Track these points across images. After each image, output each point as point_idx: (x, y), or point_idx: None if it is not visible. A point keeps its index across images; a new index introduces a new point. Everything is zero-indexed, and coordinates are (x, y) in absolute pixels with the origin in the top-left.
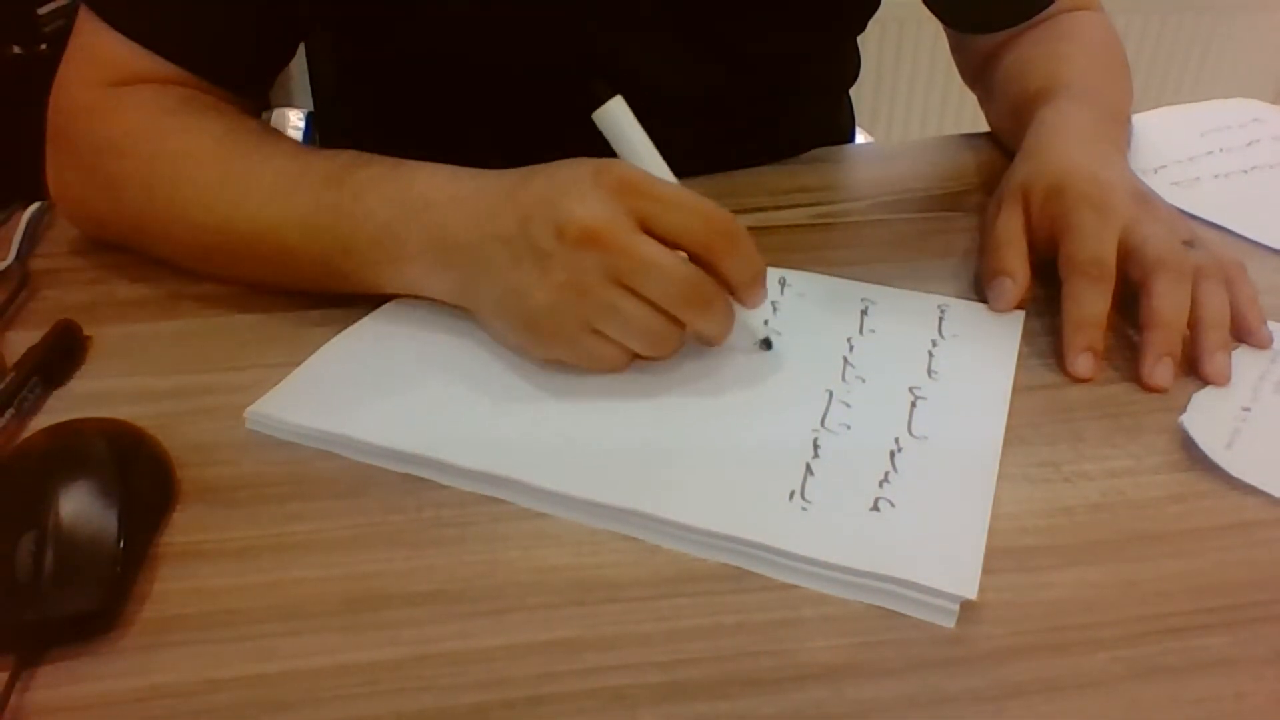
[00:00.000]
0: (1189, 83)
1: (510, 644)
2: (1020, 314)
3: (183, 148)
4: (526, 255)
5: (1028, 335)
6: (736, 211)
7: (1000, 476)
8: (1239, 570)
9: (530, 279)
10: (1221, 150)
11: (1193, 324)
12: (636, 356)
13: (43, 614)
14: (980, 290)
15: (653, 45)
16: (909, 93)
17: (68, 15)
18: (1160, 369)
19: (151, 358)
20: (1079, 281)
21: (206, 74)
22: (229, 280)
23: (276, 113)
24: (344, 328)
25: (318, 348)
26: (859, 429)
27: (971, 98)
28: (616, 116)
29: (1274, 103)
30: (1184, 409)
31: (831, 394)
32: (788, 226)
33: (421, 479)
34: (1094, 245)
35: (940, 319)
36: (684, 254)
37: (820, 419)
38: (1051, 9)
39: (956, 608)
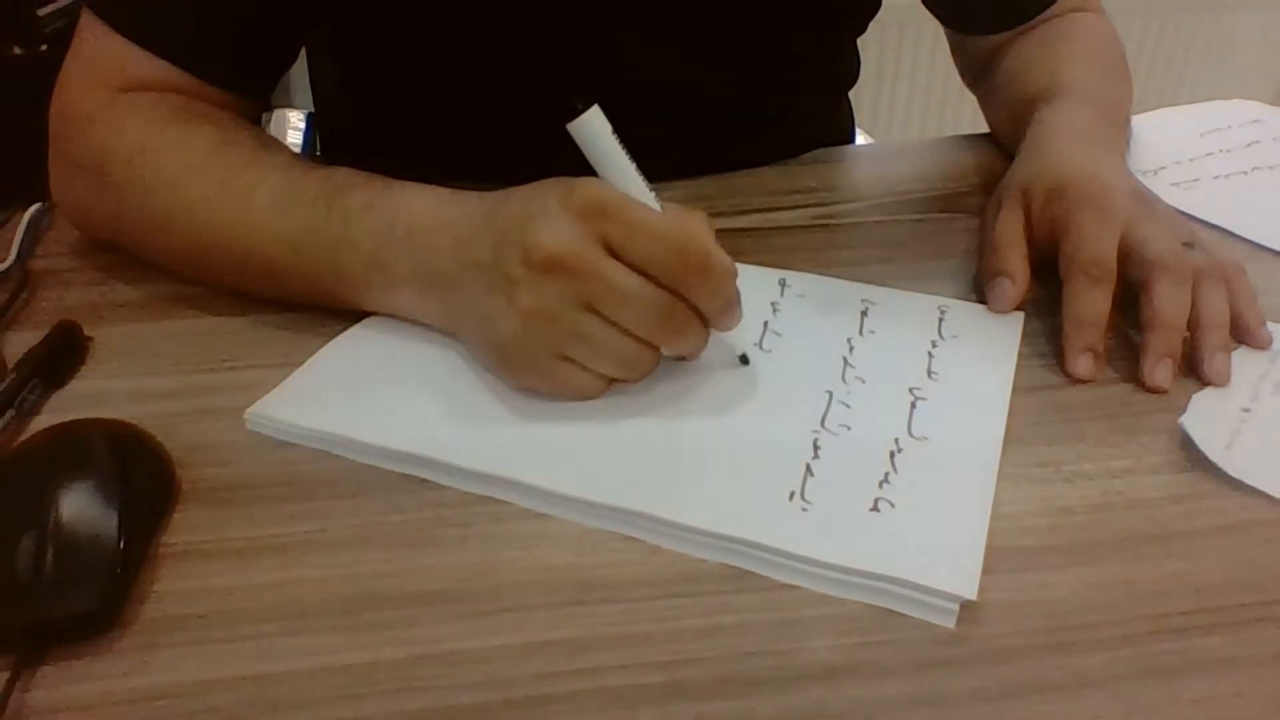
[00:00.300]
0: (1189, 83)
1: (510, 644)
2: (1020, 315)
3: (178, 159)
4: (498, 282)
5: (1028, 335)
6: (736, 212)
7: (1000, 476)
8: (1239, 570)
9: (499, 307)
10: (1221, 151)
11: (1193, 325)
12: (613, 382)
13: (43, 614)
14: (980, 291)
15: (653, 46)
16: (909, 93)
17: (68, 16)
18: (1160, 370)
19: (151, 358)
20: (1080, 282)
21: (208, 76)
22: (225, 289)
23: (277, 113)
24: (345, 328)
25: (318, 348)
26: (859, 429)
27: (971, 98)
28: (592, 129)
29: (1274, 103)
30: (1184, 409)
31: (831, 394)
32: (788, 227)
33: (421, 479)
34: (1095, 246)
35: (940, 320)
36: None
37: (820, 419)
38: (1051, 10)
39: (956, 608)
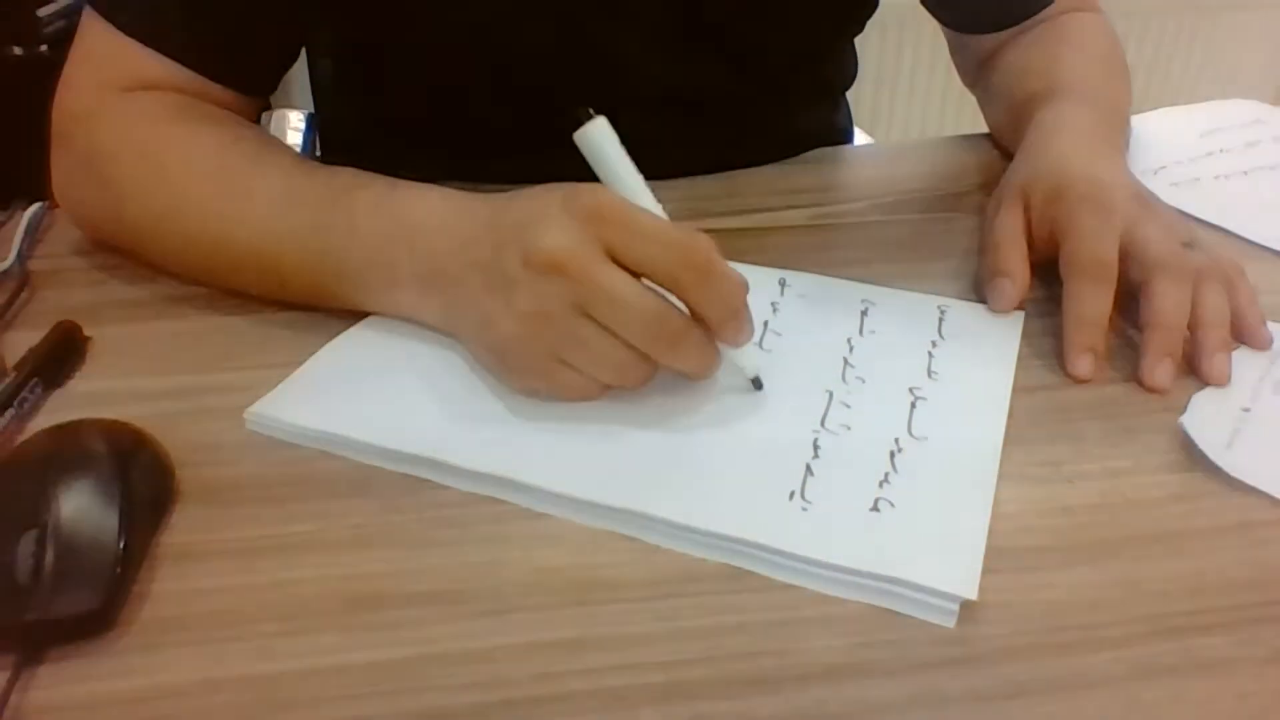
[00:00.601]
0: (1189, 83)
1: (510, 644)
2: (1020, 314)
3: (180, 160)
4: (497, 283)
5: (1028, 336)
6: (736, 212)
7: (1000, 476)
8: (1239, 570)
9: (498, 307)
10: (1221, 151)
11: (1193, 325)
12: (609, 386)
13: (43, 614)
14: (980, 291)
15: (652, 45)
16: (909, 93)
17: (68, 16)
18: (1160, 369)
19: (151, 358)
20: (1080, 282)
21: (211, 75)
22: (226, 289)
23: (277, 113)
24: (345, 328)
25: (318, 348)
26: (859, 429)
27: (971, 98)
28: (598, 139)
29: (1274, 103)
30: (1184, 409)
31: (831, 394)
32: (788, 227)
33: (421, 479)
34: (1095, 246)
35: (940, 320)
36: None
37: (820, 419)
38: (1050, 10)
39: (956, 608)
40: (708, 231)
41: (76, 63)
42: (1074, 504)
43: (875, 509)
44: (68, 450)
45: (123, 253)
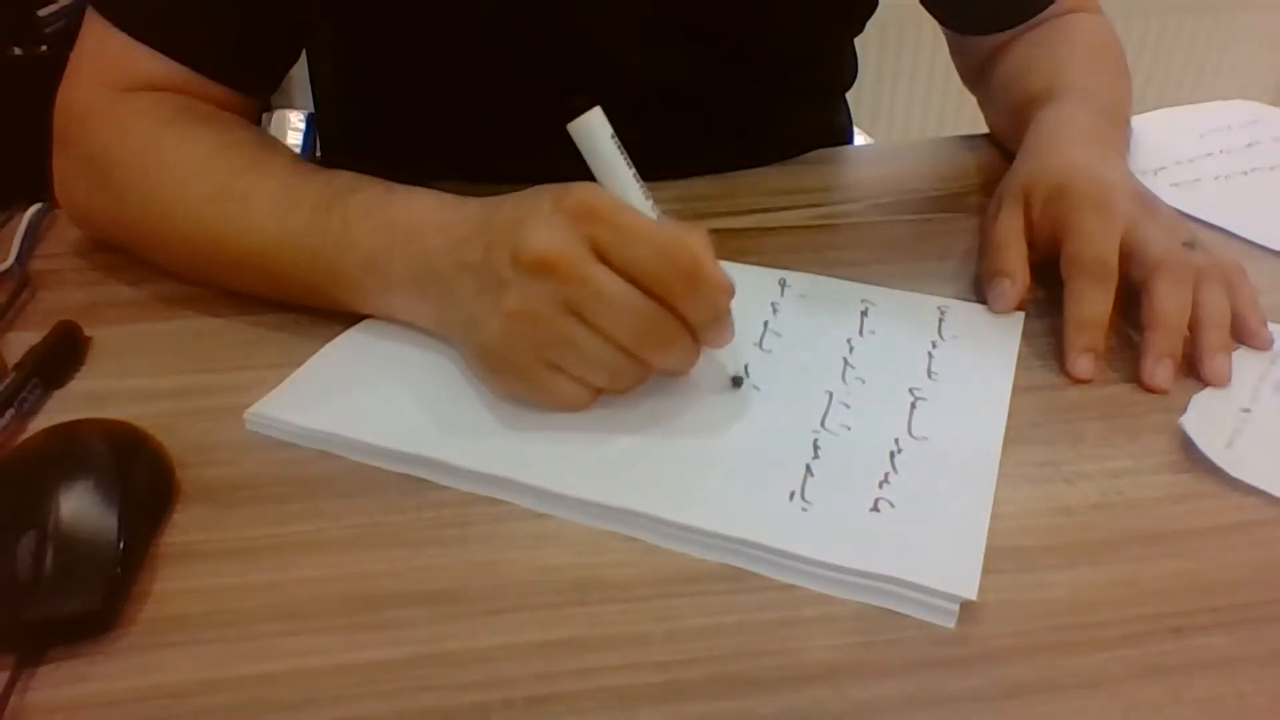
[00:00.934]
0: (1189, 83)
1: (510, 644)
2: (1020, 315)
3: (178, 161)
4: (487, 284)
5: (1028, 336)
6: (736, 212)
7: (1000, 476)
8: (1239, 570)
9: (486, 307)
10: (1221, 152)
11: (1193, 325)
12: (599, 393)
13: (43, 614)
14: (980, 291)
15: (651, 46)
16: (909, 93)
17: (68, 16)
18: (1160, 370)
19: (151, 358)
20: (1081, 282)
21: (211, 73)
22: (224, 289)
23: (277, 114)
24: (345, 328)
25: (318, 348)
26: (859, 430)
27: (971, 98)
28: (591, 130)
29: (1274, 103)
30: (1184, 409)
31: (831, 395)
32: (788, 227)
33: (421, 479)
34: (1097, 246)
35: (940, 320)
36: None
37: (820, 419)
38: (1050, 10)
39: (956, 608)
40: (709, 232)
41: (78, 63)
42: (1074, 504)
43: (875, 509)
44: (68, 450)
45: (122, 252)
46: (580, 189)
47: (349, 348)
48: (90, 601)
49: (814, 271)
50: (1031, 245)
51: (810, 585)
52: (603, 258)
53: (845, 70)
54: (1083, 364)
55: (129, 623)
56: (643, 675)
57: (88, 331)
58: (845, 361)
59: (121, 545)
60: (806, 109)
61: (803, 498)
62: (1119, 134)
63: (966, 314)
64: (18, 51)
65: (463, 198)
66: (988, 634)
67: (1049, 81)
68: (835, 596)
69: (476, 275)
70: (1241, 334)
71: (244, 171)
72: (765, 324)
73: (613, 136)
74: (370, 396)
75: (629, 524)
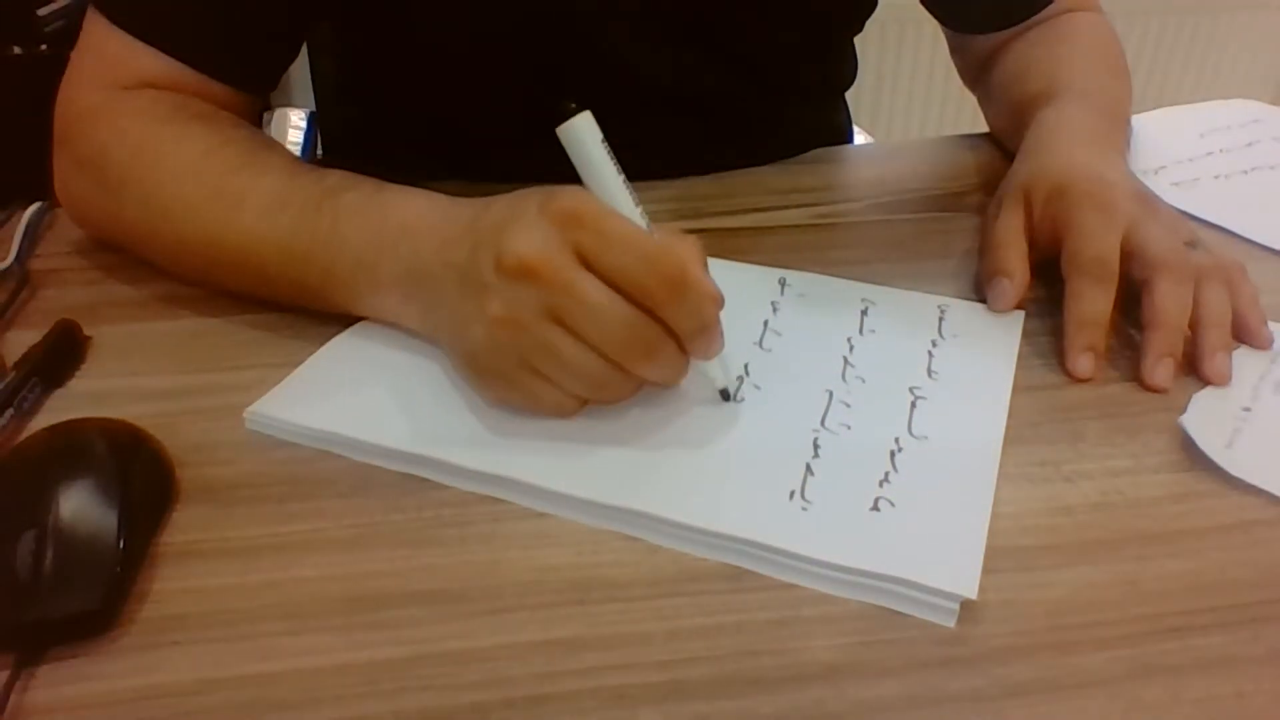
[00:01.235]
0: (1189, 83)
1: (510, 644)
2: (1020, 314)
3: (173, 161)
4: (471, 288)
5: (1028, 335)
6: (736, 212)
7: (1000, 476)
8: (1239, 570)
9: (471, 312)
10: (1221, 151)
11: (1193, 324)
12: (587, 402)
13: (43, 614)
14: (980, 291)
15: (650, 46)
16: (909, 93)
17: (68, 15)
18: (1161, 369)
19: (151, 358)
20: (1082, 281)
21: (212, 72)
22: (221, 289)
23: (278, 112)
24: (345, 327)
25: (318, 347)
26: (859, 429)
27: (971, 98)
28: (580, 135)
29: (1274, 103)
30: (1184, 409)
31: (831, 394)
32: (788, 226)
33: (421, 479)
34: (1098, 245)
35: (940, 319)
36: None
37: (820, 419)
38: (1050, 9)
39: (956, 607)
40: (708, 231)
41: (79, 62)
42: (1074, 504)
43: (875, 508)
44: (67, 450)
45: (122, 252)
46: (567, 194)
47: (349, 347)
48: (90, 601)
49: (814, 271)
50: (1032, 245)
51: (810, 584)
52: (587, 264)
53: (845, 70)
54: (1083, 363)
55: (129, 622)
56: (643, 675)
57: (87, 331)
58: (845, 360)
59: (121, 545)
60: (806, 108)
61: (803, 497)
62: (1119, 133)
63: (967, 313)
64: (18, 51)
65: (454, 198)
66: (988, 634)
67: (1049, 81)
68: (835, 596)
69: (462, 278)
70: (1242, 333)
71: (237, 171)
72: (765, 323)
73: (602, 142)
74: (370, 395)
75: (629, 523)
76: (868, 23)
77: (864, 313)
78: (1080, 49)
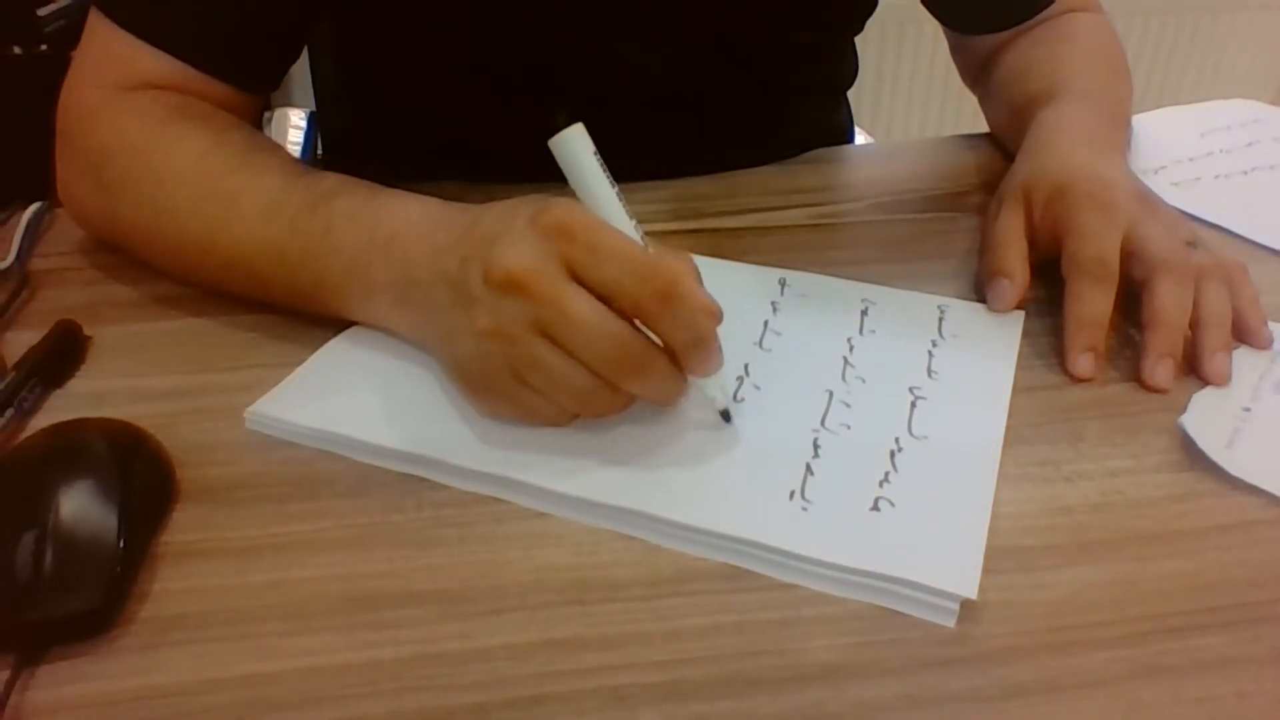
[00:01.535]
0: (1189, 83)
1: (510, 644)
2: (1020, 314)
3: (168, 163)
4: (462, 299)
5: (1028, 335)
6: (736, 212)
7: (1000, 476)
8: (1239, 570)
9: (460, 323)
10: (1221, 151)
11: (1194, 324)
12: (577, 415)
13: (43, 613)
14: (980, 291)
15: (652, 45)
16: (909, 93)
17: (68, 15)
18: (1161, 369)
19: (151, 358)
20: (1082, 281)
21: (212, 71)
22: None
23: (278, 112)
24: (344, 328)
25: (318, 348)
26: (859, 429)
27: (971, 98)
28: (571, 148)
29: (1274, 103)
30: (1184, 409)
31: (831, 394)
32: (788, 226)
33: (421, 479)
34: (1098, 245)
35: (940, 319)
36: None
37: (820, 419)
38: (1051, 10)
39: (956, 607)
40: (708, 231)
41: (81, 61)
42: (1074, 504)
43: (875, 508)
44: (67, 450)
45: (122, 252)
46: (557, 205)
47: (349, 347)
48: (90, 601)
49: (814, 271)
50: (1032, 245)
51: (810, 584)
52: (578, 278)
53: (846, 69)
54: (1083, 363)
55: (129, 622)
56: (643, 675)
57: (88, 331)
58: (845, 361)
59: (121, 544)
60: (807, 108)
61: (803, 497)
62: (1119, 133)
63: (967, 313)
64: (18, 51)
65: (448, 204)
66: (988, 634)
67: (1049, 81)
68: (835, 596)
69: (452, 288)
70: (1242, 333)
71: (233, 174)
72: (765, 323)
73: (595, 154)
74: (370, 395)
75: (629, 523)
76: (868, 23)
77: (864, 313)
78: (1081, 49)
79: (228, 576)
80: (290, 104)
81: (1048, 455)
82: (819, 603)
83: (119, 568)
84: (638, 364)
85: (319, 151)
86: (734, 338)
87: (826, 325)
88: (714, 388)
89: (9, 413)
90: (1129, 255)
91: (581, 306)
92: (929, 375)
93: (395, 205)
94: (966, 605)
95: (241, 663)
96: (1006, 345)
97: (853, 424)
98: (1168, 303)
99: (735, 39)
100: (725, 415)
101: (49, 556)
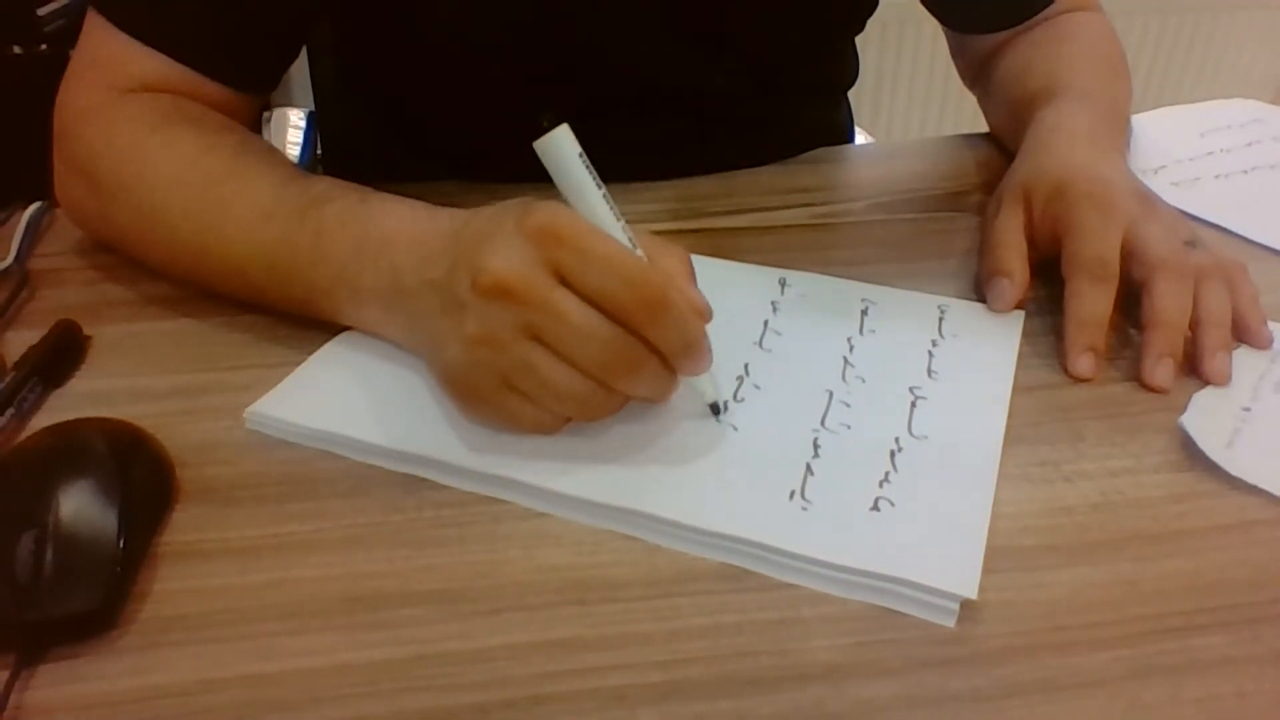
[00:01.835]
0: (1189, 83)
1: (510, 644)
2: (1020, 314)
3: (161, 167)
4: (448, 305)
5: (1028, 335)
6: (735, 212)
7: (1000, 476)
8: (1239, 570)
9: (448, 330)
10: (1221, 151)
11: (1194, 324)
12: (569, 420)
13: (43, 614)
14: (980, 291)
15: (651, 45)
16: (909, 93)
17: (68, 15)
18: (1161, 369)
19: (151, 358)
20: (1082, 280)
21: (210, 72)
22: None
23: (277, 112)
24: (345, 328)
25: (317, 348)
26: (859, 429)
27: (971, 98)
28: (558, 150)
29: (1274, 103)
30: (1184, 409)
31: (831, 394)
32: (788, 226)
33: (421, 479)
34: (1098, 244)
35: (940, 319)
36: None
37: (820, 419)
38: (1051, 9)
39: (956, 607)
40: (708, 231)
41: (77, 62)
42: (1074, 504)
43: (875, 508)
44: (67, 450)
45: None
46: (543, 209)
47: (349, 347)
48: (90, 601)
49: (814, 271)
50: (1032, 244)
51: (810, 584)
52: (566, 282)
53: (846, 69)
54: (1083, 363)
55: (129, 622)
56: (642, 675)
57: (87, 331)
58: (845, 360)
59: (121, 544)
60: (807, 108)
61: (803, 497)
62: (1119, 133)
63: (967, 313)
64: (18, 51)
65: (436, 210)
66: (988, 634)
67: (1049, 81)
68: (835, 596)
69: (440, 295)
70: (1242, 333)
71: (224, 179)
72: (765, 323)
73: (581, 155)
74: (370, 395)
75: (629, 523)
76: (868, 23)
77: (864, 313)
78: (1080, 49)
79: (227, 576)
80: (290, 104)
81: (1048, 455)
82: (819, 602)
83: (119, 568)
84: (629, 364)
85: (318, 151)
86: (734, 337)
87: (826, 325)
88: (704, 383)
89: (9, 413)
90: (1129, 255)
91: (572, 310)
92: (929, 375)
93: (384, 211)
94: (966, 605)
95: (241, 663)
96: (1006, 345)
97: (853, 424)
98: (1167, 302)
99: (735, 39)
100: (715, 409)
101: (49, 556)
